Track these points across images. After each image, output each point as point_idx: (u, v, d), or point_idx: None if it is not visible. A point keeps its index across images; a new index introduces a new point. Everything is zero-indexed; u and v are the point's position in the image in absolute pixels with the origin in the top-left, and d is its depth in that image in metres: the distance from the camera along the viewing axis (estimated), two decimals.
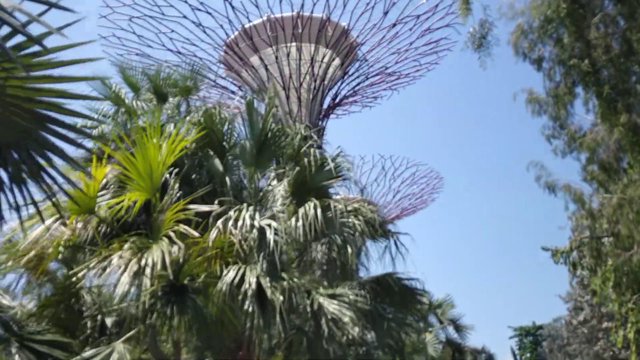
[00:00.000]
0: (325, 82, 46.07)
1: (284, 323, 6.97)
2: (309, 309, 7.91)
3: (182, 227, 6.41)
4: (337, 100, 48.81)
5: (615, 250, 13.80)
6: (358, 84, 49.53)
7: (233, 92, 47.15)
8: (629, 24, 10.30)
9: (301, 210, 9.05)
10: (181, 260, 6.30)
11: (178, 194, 9.79)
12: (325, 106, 48.00)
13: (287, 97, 44.80)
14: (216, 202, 8.32)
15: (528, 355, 71.42)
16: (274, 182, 10.53)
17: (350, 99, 51.52)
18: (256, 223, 7.88)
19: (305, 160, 9.77)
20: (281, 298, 7.20)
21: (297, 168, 9.88)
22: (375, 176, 68.55)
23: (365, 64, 48.03)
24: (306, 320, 8.18)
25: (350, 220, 9.14)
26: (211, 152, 10.50)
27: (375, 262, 11.70)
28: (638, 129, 10.81)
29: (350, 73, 48.21)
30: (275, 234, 8.36)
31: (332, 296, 8.46)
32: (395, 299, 10.07)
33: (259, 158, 10.61)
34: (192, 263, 6.41)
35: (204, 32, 43.36)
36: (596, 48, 10.57)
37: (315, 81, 45.09)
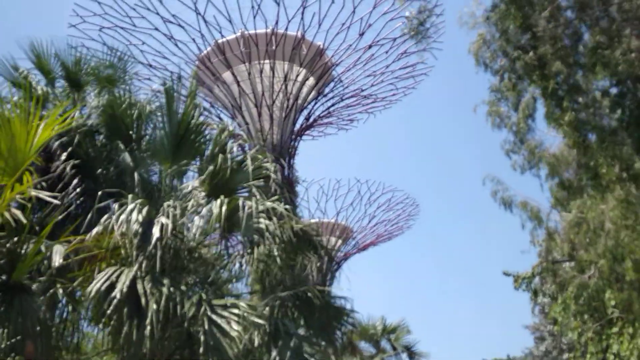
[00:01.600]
0: (299, 101, 45.26)
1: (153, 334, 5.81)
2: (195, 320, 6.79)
3: (12, 213, 5.26)
4: (310, 120, 47.96)
5: (573, 274, 12.85)
6: (332, 105, 48.77)
7: (205, 109, 46.02)
8: (580, 15, 9.52)
9: (206, 208, 7.98)
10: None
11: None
12: (298, 126, 47.11)
13: (259, 115, 43.86)
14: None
15: None
16: (196, 183, 9.43)
17: (325, 120, 50.69)
18: (140, 217, 6.77)
19: (220, 157, 8.68)
20: (155, 307, 6.09)
21: (211, 167, 8.80)
22: (351, 200, 67.82)
23: (340, 85, 47.36)
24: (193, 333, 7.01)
25: (261, 221, 8.02)
26: (122, 146, 9.40)
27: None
28: (584, 128, 9.95)
29: (324, 93, 47.49)
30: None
31: (224, 307, 7.32)
32: (316, 317, 8.96)
33: (177, 153, 9.54)
34: (30, 259, 5.24)
35: (176, 45, 42.47)
36: (544, 41, 9.73)
37: (288, 100, 44.27)
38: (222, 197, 8.08)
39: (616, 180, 10.13)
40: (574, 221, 11.98)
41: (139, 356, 6.07)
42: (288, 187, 43.07)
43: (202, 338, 6.58)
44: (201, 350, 6.55)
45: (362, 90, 48.83)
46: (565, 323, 16.08)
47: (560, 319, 16.14)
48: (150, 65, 43.60)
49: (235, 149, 9.44)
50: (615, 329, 14.77)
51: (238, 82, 43.16)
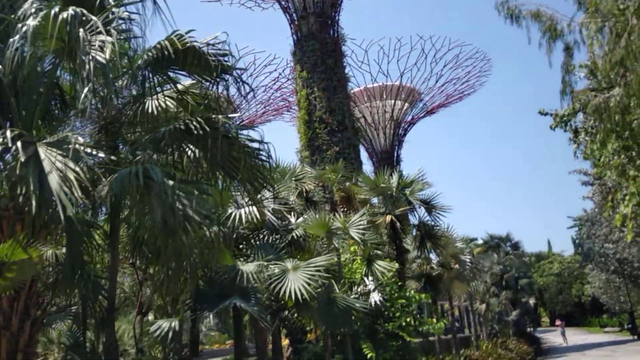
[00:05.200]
0: None
1: None
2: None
3: None
4: None
5: (593, 95, 10.08)
6: None
7: None
8: None
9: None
10: None
11: None
12: None
13: None
14: None
15: None
16: None
17: None
18: None
19: None
20: None
21: None
22: (415, 60, 63.74)
23: None
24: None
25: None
26: None
27: None
28: None
29: None
30: None
31: (55, 145, 5.62)
32: (213, 153, 6.99)
33: None
34: None
35: None
36: None
37: None
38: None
39: None
40: (593, 28, 9.14)
41: None
42: (333, 47, 40.28)
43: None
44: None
45: None
46: (605, 162, 13.50)
47: (603, 158, 13.56)
48: None
49: None
50: None
51: None
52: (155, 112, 7.81)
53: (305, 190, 14.27)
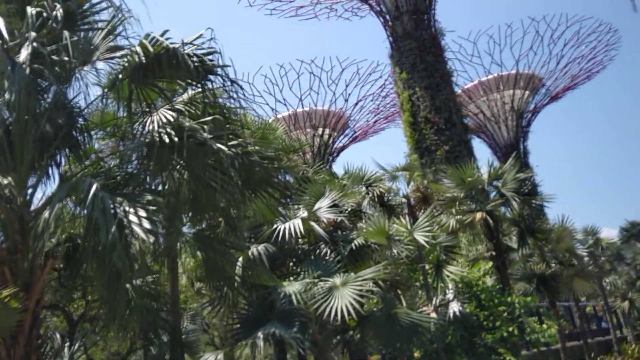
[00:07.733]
0: None
1: None
2: None
3: None
4: None
5: None
6: None
7: None
8: None
9: None
10: None
11: None
12: None
13: None
14: None
15: None
16: None
17: None
18: None
19: None
20: None
21: None
22: (530, 43, 59.62)
23: None
24: None
25: None
26: None
27: None
28: None
29: None
30: None
31: None
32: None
33: None
34: None
35: None
36: None
37: None
38: None
39: None
40: None
41: None
42: (431, 42, 38.59)
43: None
44: None
45: None
46: None
47: None
48: None
49: None
50: None
51: None
52: (157, 127, 7.17)
53: (378, 194, 13.05)
